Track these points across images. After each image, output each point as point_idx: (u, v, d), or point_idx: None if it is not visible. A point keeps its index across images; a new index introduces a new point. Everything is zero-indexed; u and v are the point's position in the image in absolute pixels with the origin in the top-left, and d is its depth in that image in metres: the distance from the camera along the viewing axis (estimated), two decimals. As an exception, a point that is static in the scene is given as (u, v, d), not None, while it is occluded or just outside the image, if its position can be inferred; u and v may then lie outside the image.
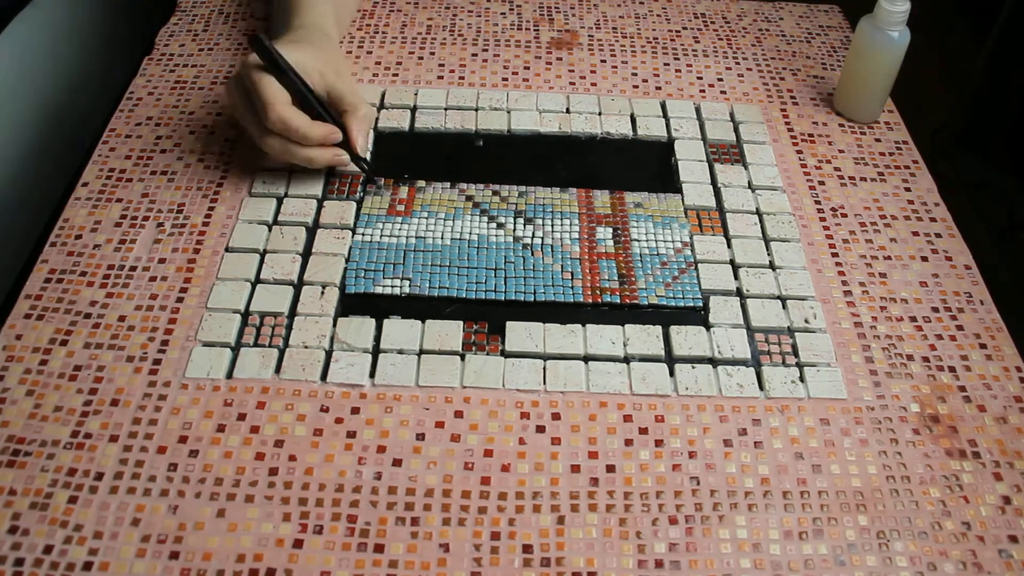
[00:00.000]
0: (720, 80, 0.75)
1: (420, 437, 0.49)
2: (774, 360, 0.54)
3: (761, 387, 0.53)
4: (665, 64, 0.77)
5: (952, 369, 0.54)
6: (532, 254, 0.60)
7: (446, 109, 0.70)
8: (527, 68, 0.75)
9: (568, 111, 0.71)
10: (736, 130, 0.70)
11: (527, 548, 0.45)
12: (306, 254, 0.59)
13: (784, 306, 0.57)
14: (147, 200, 0.62)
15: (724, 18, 0.83)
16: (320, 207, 0.62)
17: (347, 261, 0.59)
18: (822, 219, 0.64)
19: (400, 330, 0.54)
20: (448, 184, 0.64)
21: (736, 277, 0.59)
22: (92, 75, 0.86)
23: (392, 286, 0.57)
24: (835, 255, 0.61)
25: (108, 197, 0.62)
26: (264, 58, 0.58)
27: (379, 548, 0.45)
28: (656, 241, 0.61)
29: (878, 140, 0.71)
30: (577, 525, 0.46)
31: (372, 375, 0.52)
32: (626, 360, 0.54)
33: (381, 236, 0.60)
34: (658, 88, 0.74)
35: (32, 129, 0.76)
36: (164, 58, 0.75)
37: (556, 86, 0.74)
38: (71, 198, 0.62)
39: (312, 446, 0.49)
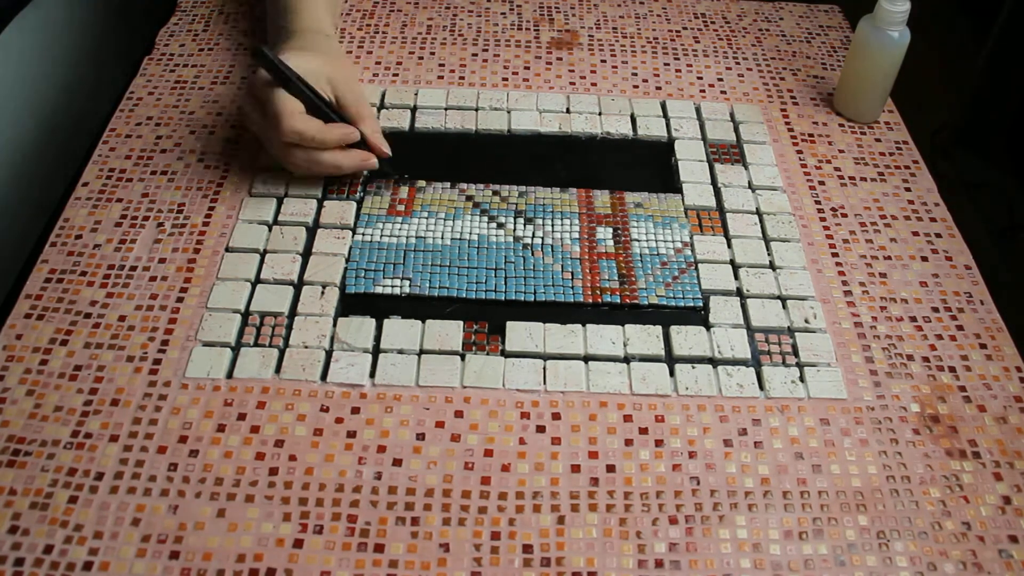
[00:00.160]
0: (720, 80, 0.75)
1: (420, 437, 0.49)
2: (774, 360, 0.54)
3: (761, 387, 0.53)
4: (665, 64, 0.77)
5: (952, 369, 0.54)
6: (532, 254, 0.60)
7: (446, 109, 0.70)
8: (527, 68, 0.75)
9: (568, 111, 0.71)
10: (736, 130, 0.70)
11: (527, 548, 0.45)
12: (306, 254, 0.59)
13: (784, 306, 0.57)
14: (147, 200, 0.62)
15: (724, 18, 0.83)
16: (320, 207, 0.62)
17: (347, 261, 0.59)
18: (822, 219, 0.64)
19: (400, 330, 0.54)
20: (448, 184, 0.64)
21: (736, 277, 0.59)
22: (92, 75, 0.86)
23: (392, 286, 0.57)
24: (835, 255, 0.61)
25: (108, 197, 0.62)
26: (269, 70, 0.58)
27: (379, 548, 0.45)
28: (656, 241, 0.61)
29: (878, 140, 0.71)
30: (577, 525, 0.46)
31: (372, 375, 0.52)
32: (626, 360, 0.54)
33: (381, 236, 0.60)
34: (658, 88, 0.74)
35: (32, 129, 0.76)
36: (164, 58, 0.75)
37: (556, 86, 0.74)
38: (71, 198, 0.62)
39: (312, 446, 0.49)
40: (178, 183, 0.63)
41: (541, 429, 0.50)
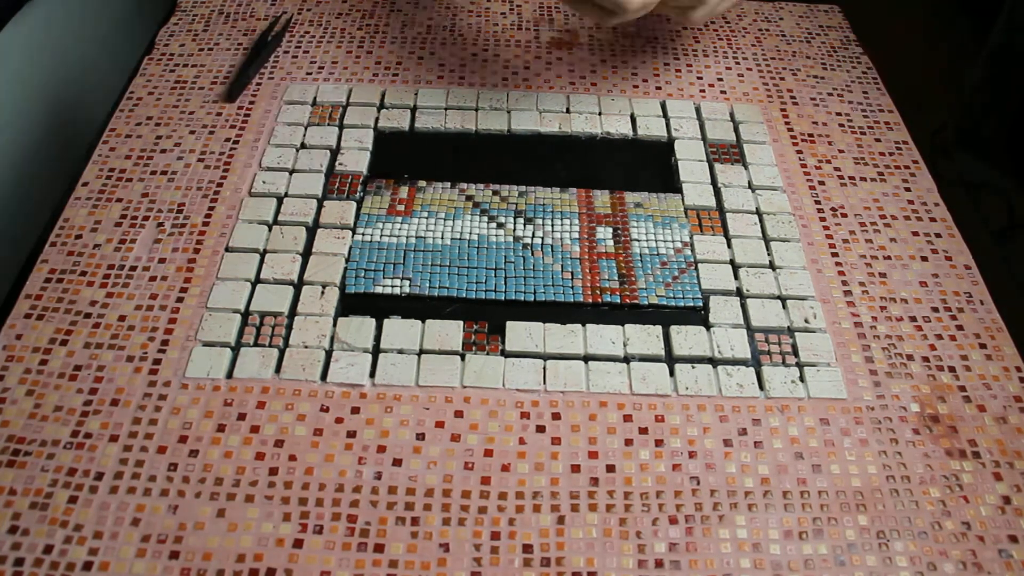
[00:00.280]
0: (720, 80, 0.75)
1: (420, 437, 0.49)
2: (774, 360, 0.54)
3: (761, 387, 0.53)
4: (665, 64, 0.77)
5: (952, 369, 0.54)
6: (532, 254, 0.60)
7: (446, 109, 0.71)
8: (527, 68, 0.75)
9: (568, 111, 0.71)
10: (736, 130, 0.70)
11: (527, 548, 0.45)
12: (306, 254, 0.59)
13: (784, 306, 0.57)
14: (147, 200, 0.62)
15: (724, 18, 0.83)
16: (320, 207, 0.62)
17: (347, 261, 0.59)
18: (822, 219, 0.64)
19: (400, 330, 0.54)
20: (448, 184, 0.64)
21: (736, 277, 0.59)
22: (92, 75, 0.86)
23: (392, 286, 0.57)
24: (835, 255, 0.61)
25: (108, 197, 0.62)
26: None
27: (379, 548, 0.45)
28: (656, 241, 0.61)
29: (878, 140, 0.71)
30: (577, 525, 0.46)
31: (372, 375, 0.52)
32: (626, 360, 0.54)
33: (381, 236, 0.60)
34: (658, 88, 0.74)
35: (32, 129, 0.76)
36: (164, 58, 0.75)
37: (556, 86, 0.74)
38: (71, 198, 0.62)
39: (312, 446, 0.49)
40: (178, 183, 0.63)
41: (541, 429, 0.50)
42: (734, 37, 0.81)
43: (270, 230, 0.60)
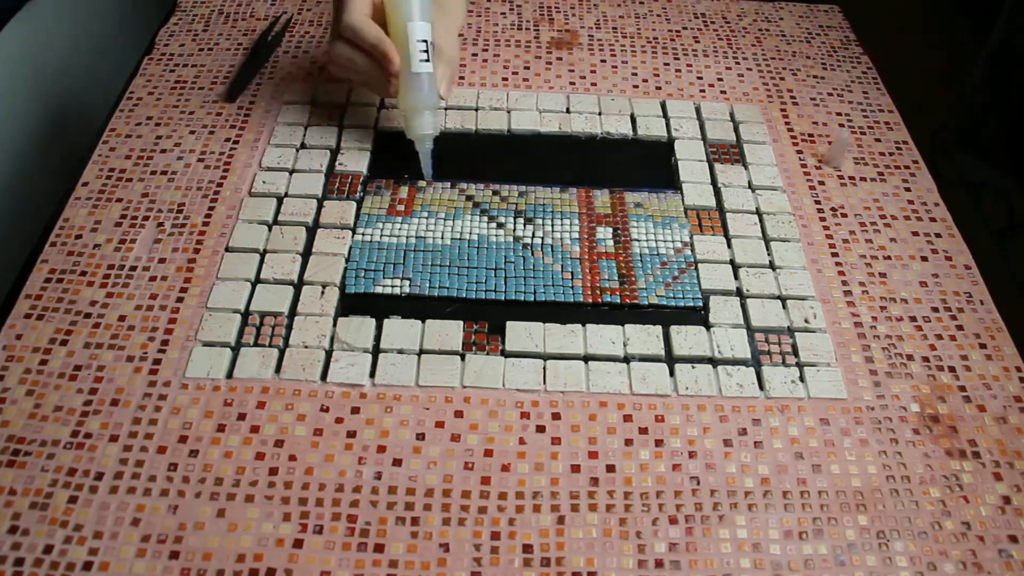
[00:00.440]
0: (720, 80, 0.75)
1: (420, 437, 0.49)
2: (774, 360, 0.54)
3: (761, 387, 0.53)
4: (665, 64, 0.77)
5: (952, 369, 0.54)
6: (532, 254, 0.60)
7: (446, 109, 0.70)
8: (527, 68, 0.75)
9: (568, 111, 0.71)
10: (736, 130, 0.70)
11: (527, 548, 0.45)
12: (306, 254, 0.59)
13: (784, 306, 0.57)
14: (147, 200, 0.62)
15: (724, 18, 0.83)
16: (320, 207, 0.62)
17: (347, 261, 0.59)
18: (822, 219, 0.64)
19: (400, 330, 0.54)
20: (448, 184, 0.64)
21: (736, 277, 0.59)
22: (92, 75, 0.86)
23: (392, 286, 0.57)
24: (835, 255, 0.61)
25: (108, 197, 0.62)
26: None
27: (379, 548, 0.45)
28: (656, 241, 0.61)
29: (878, 140, 0.71)
30: (577, 525, 0.46)
31: (372, 375, 0.52)
32: (626, 360, 0.54)
33: (381, 236, 0.60)
34: (658, 88, 0.74)
35: (32, 129, 0.76)
36: (164, 58, 0.75)
37: (556, 86, 0.74)
38: (71, 198, 0.62)
39: (312, 446, 0.49)
40: (178, 183, 0.63)
41: (541, 429, 0.50)
42: (734, 37, 0.81)
43: (270, 230, 0.60)
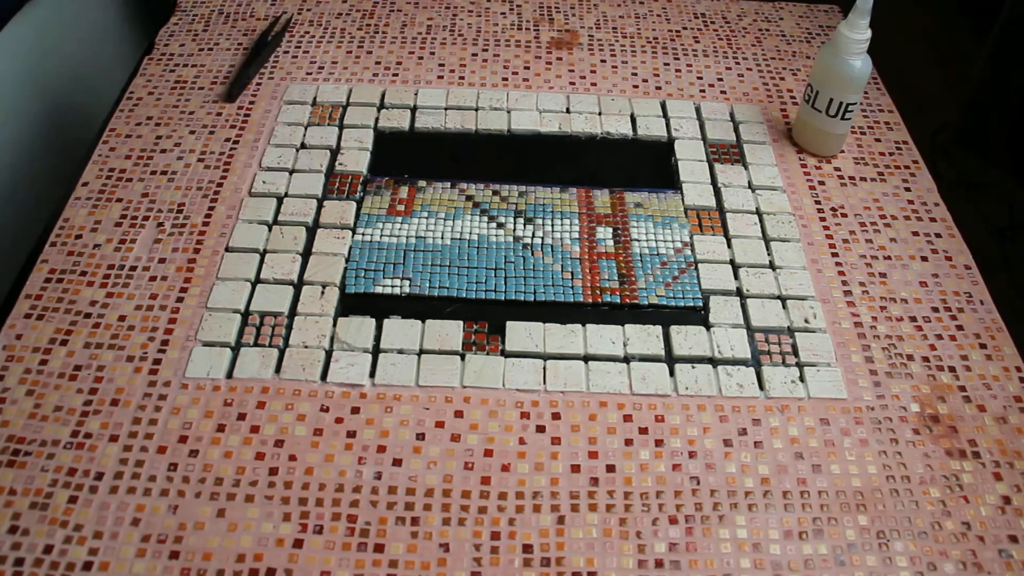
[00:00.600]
0: (720, 80, 0.75)
1: (420, 437, 0.49)
2: (774, 360, 0.54)
3: (761, 387, 0.53)
4: (665, 64, 0.77)
5: (952, 369, 0.54)
6: (532, 254, 0.60)
7: (446, 109, 0.71)
8: (527, 68, 0.75)
9: (568, 111, 0.71)
10: (736, 130, 0.70)
11: (527, 548, 0.45)
12: (306, 254, 0.59)
13: (784, 306, 0.57)
14: (147, 200, 0.62)
15: (724, 18, 0.83)
16: (320, 207, 0.62)
17: (347, 261, 0.59)
18: (822, 219, 0.64)
19: (400, 330, 0.54)
20: (448, 184, 0.64)
21: (736, 277, 0.59)
22: (92, 75, 0.86)
23: (392, 286, 0.57)
24: (835, 255, 0.61)
25: (108, 197, 0.62)
26: None
27: (379, 548, 0.45)
28: (656, 241, 0.61)
29: (878, 140, 0.71)
30: (577, 525, 0.46)
31: (372, 375, 0.52)
32: (626, 360, 0.54)
33: (381, 236, 0.60)
34: (658, 88, 0.74)
35: (32, 129, 0.76)
36: (164, 58, 0.75)
37: (556, 86, 0.74)
38: (71, 198, 0.62)
39: (312, 446, 0.49)
40: (178, 183, 0.63)
41: (541, 429, 0.50)
42: (734, 37, 0.81)
43: (270, 230, 0.60)
